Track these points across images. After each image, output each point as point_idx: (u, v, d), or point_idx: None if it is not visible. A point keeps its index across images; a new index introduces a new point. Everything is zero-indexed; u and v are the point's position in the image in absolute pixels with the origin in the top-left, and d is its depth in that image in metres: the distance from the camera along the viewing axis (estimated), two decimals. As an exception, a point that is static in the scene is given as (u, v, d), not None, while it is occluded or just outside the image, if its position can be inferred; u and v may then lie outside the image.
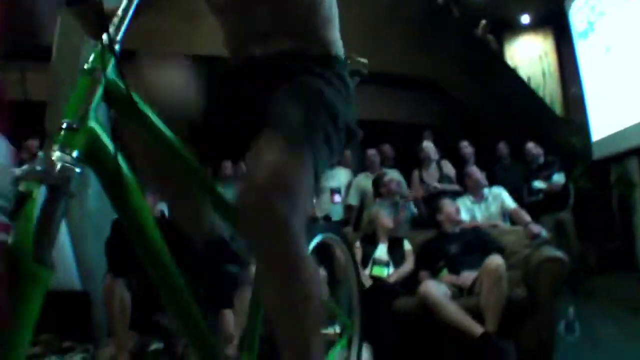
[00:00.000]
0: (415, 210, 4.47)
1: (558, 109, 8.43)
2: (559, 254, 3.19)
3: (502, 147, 5.54)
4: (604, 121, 6.22)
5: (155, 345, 3.32)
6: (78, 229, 3.40)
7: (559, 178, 5.04)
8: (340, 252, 1.72)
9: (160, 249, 0.88)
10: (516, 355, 2.78)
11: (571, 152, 6.36)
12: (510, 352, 2.78)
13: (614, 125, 5.89)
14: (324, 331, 1.62)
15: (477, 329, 2.86)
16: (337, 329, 1.62)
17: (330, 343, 1.62)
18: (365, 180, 4.86)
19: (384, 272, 3.41)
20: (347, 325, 1.73)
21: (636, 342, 3.35)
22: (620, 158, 6.01)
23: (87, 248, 3.40)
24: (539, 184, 5.02)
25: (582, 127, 6.74)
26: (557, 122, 7.53)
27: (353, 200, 4.73)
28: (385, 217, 3.64)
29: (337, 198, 4.25)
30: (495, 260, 2.99)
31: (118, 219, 0.85)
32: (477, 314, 2.94)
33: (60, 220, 0.66)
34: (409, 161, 5.03)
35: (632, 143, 5.50)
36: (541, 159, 5.22)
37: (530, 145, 5.26)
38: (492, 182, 4.33)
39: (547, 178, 5.03)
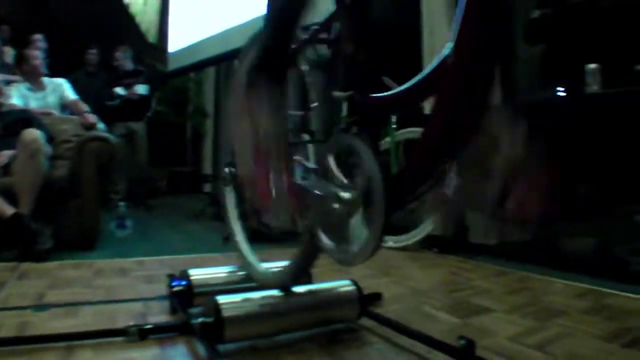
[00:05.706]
0: None
1: (152, 36, 8.45)
2: (104, 134, 3.17)
3: (91, 54, 5.20)
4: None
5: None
6: None
7: (141, 88, 5.00)
8: None
9: None
10: (52, 239, 2.56)
11: (154, 75, 6.40)
12: (44, 234, 2.55)
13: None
14: None
15: (8, 210, 2.54)
16: None
17: None
18: None
19: None
20: None
21: (180, 234, 3.71)
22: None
23: None
24: (120, 90, 4.91)
25: (165, 53, 6.88)
26: (149, 47, 7.54)
27: None
28: None
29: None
30: (32, 132, 2.70)
31: None
32: (13, 195, 2.61)
33: None
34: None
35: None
36: (129, 66, 5.12)
37: (118, 53, 5.12)
38: (75, 86, 3.92)
39: (130, 86, 4.94)
